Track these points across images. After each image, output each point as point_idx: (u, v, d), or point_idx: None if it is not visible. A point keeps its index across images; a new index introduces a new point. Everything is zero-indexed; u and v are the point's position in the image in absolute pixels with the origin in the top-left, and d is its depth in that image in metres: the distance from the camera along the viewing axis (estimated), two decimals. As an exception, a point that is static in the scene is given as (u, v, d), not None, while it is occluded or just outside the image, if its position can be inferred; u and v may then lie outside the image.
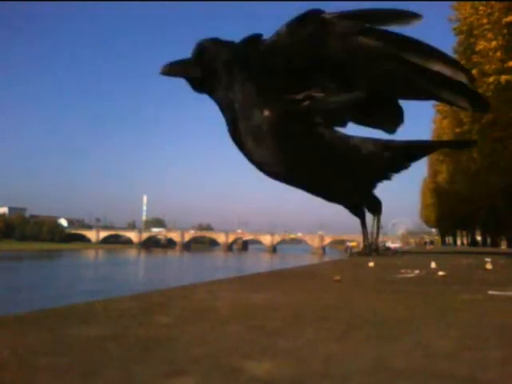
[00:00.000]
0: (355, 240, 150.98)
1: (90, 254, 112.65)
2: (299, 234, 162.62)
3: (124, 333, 2.03)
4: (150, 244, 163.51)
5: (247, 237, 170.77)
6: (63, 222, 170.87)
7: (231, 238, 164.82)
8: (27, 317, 2.40)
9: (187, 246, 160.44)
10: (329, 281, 4.98)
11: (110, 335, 1.95)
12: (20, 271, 57.24)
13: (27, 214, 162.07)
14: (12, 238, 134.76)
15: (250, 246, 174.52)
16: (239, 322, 2.38)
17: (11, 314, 2.46)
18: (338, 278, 5.58)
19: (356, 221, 5.84)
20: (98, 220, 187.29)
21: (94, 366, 1.35)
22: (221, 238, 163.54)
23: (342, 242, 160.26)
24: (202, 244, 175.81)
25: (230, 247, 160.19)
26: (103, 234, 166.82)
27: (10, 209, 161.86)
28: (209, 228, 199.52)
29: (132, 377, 1.30)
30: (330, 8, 3.71)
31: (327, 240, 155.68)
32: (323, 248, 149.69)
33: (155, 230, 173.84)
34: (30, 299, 29.00)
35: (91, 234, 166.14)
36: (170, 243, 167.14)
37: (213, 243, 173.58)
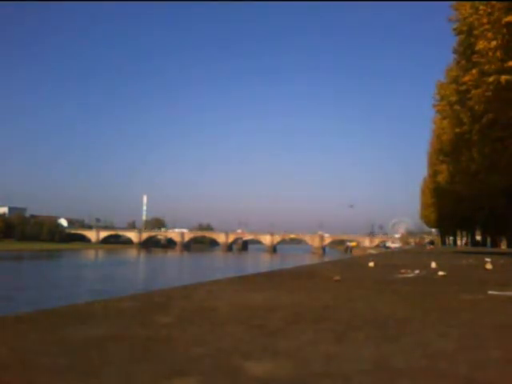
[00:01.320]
0: (355, 240, 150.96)
1: (90, 253, 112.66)
2: (299, 234, 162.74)
3: (124, 333, 2.04)
4: (150, 244, 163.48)
5: (247, 237, 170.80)
6: (63, 222, 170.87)
7: (231, 238, 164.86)
8: (27, 317, 2.40)
9: (187, 246, 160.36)
10: (329, 281, 4.97)
11: (110, 335, 1.96)
12: (20, 271, 57.24)
13: (27, 214, 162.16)
14: (12, 238, 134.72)
15: (250, 246, 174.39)
16: (239, 322, 2.37)
17: (11, 313, 2.46)
18: (337, 278, 5.56)
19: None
20: (97, 220, 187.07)
21: (93, 367, 1.36)
22: (221, 238, 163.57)
23: (342, 242, 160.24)
24: (201, 244, 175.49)
25: (229, 247, 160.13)
26: (103, 234, 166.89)
27: (11, 209, 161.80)
28: (209, 228, 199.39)
29: (132, 377, 1.30)
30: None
31: (327, 240, 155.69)
32: (323, 248, 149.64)
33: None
34: (31, 299, 28.99)
35: (91, 234, 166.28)
36: (170, 243, 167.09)
37: (213, 243, 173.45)
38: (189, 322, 1.45)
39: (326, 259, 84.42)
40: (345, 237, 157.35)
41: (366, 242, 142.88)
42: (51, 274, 52.60)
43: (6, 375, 0.78)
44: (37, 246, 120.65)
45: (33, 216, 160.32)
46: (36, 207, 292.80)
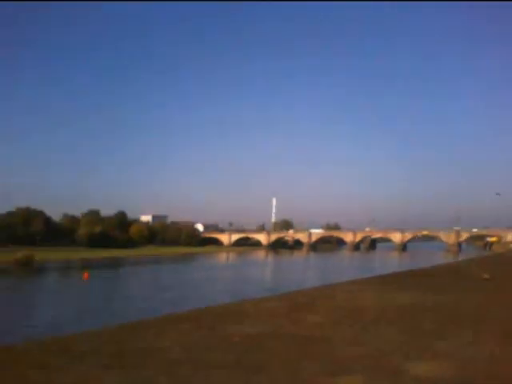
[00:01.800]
0: (496, 234, 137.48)
1: (223, 256, 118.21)
2: (432, 231, 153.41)
3: (279, 330, 2.14)
4: (278, 245, 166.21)
5: (375, 235, 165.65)
6: (199, 227, 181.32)
7: (359, 237, 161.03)
8: (186, 315, 2.64)
9: (314, 247, 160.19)
10: (476, 279, 4.65)
11: (267, 332, 2.07)
12: (162, 273, 62.20)
13: (168, 221, 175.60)
14: (154, 244, 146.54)
15: (379, 245, 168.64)
16: (390, 322, 2.35)
17: (172, 312, 2.70)
18: (486, 276, 5.19)
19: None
20: (230, 224, 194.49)
21: (259, 362, 1.45)
22: (348, 237, 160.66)
23: (481, 237, 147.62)
24: (328, 244, 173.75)
25: (356, 246, 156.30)
26: (235, 237, 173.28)
27: (154, 217, 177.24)
28: (336, 227, 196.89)
29: (296, 374, 1.37)
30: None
31: (464, 236, 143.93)
32: (459, 244, 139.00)
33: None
34: (174, 299, 31.47)
35: (224, 238, 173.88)
36: (297, 244, 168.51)
37: (340, 243, 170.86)
38: (338, 321, 1.48)
39: (462, 257, 77.95)
40: (484, 231, 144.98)
41: (510, 237, 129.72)
42: (190, 275, 56.45)
43: (182, 370, 0.87)
44: (176, 249, 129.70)
45: (173, 223, 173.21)
46: (177, 213, 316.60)
